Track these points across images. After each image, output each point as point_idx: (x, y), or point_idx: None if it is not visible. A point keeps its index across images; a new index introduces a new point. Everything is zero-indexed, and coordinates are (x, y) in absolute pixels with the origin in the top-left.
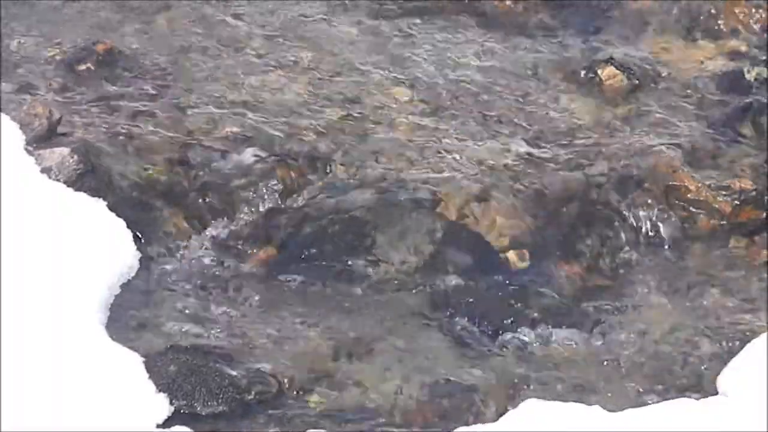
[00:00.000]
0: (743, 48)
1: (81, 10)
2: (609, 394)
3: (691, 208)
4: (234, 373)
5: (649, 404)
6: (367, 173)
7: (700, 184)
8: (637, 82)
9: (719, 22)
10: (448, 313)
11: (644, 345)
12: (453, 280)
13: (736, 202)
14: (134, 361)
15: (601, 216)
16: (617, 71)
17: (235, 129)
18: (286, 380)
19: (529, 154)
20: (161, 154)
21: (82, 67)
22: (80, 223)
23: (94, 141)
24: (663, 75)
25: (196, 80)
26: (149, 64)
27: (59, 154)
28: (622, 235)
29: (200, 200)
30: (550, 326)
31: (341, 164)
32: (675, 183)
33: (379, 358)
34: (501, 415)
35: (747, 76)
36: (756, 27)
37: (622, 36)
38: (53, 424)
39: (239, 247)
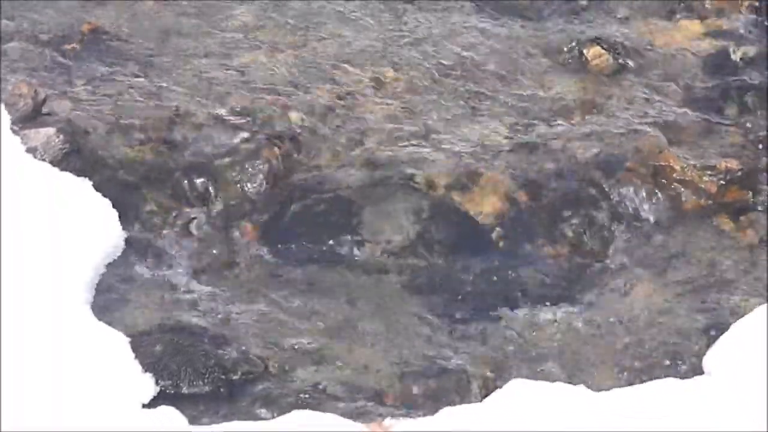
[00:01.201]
0: (729, 28)
1: None
2: (595, 374)
3: (676, 188)
4: (220, 353)
5: (635, 384)
6: (354, 153)
7: (685, 164)
8: (623, 62)
9: (705, 2)
10: (434, 292)
11: (630, 325)
12: (439, 260)
13: (722, 182)
14: (120, 341)
15: (587, 196)
16: (603, 51)
17: (220, 109)
18: (271, 361)
19: (515, 133)
20: (147, 134)
21: (68, 46)
22: (65, 202)
23: (80, 121)
24: (649, 55)
25: (182, 60)
26: (135, 43)
27: (44, 134)
28: (608, 215)
29: (185, 180)
30: (536, 306)
31: (327, 144)
32: (661, 163)
33: (365, 338)
34: (487, 395)
35: (733, 56)
36: (742, 6)
37: (609, 16)
38: (38, 405)
39: (224, 227)
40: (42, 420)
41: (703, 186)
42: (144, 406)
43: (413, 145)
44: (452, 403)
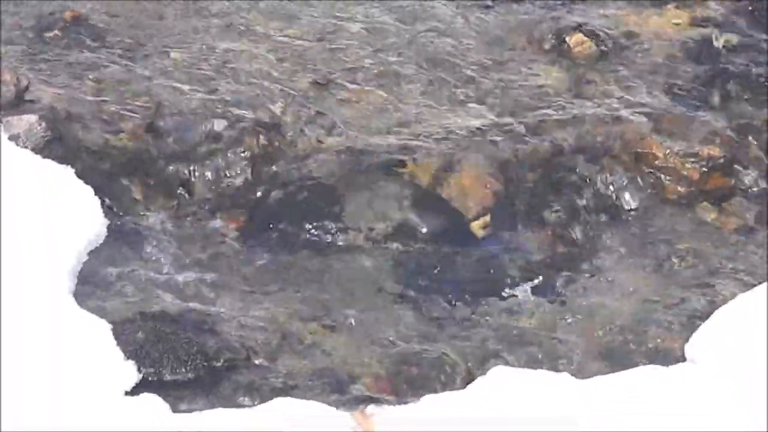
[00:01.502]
0: (712, 15)
1: None
2: (577, 362)
3: (659, 175)
4: (202, 340)
5: (618, 371)
6: (336, 140)
7: (668, 151)
8: (605, 48)
9: None
10: (417, 280)
11: (613, 312)
12: (421, 247)
13: (704, 169)
14: (102, 329)
15: (570, 183)
16: (586, 38)
17: (203, 97)
18: (254, 348)
19: (497, 120)
20: (129, 122)
21: (50, 34)
22: (47, 190)
23: (62, 108)
24: (632, 42)
25: (164, 48)
26: (118, 31)
27: (27, 121)
28: (591, 202)
29: (168, 168)
30: (518, 293)
31: (309, 132)
32: (643, 150)
33: (348, 325)
34: (469, 382)
35: (715, 43)
36: None
37: (592, 3)
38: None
39: (207, 214)
40: (25, 407)
41: (685, 173)
42: (126, 393)
43: (396, 132)
44: (435, 391)
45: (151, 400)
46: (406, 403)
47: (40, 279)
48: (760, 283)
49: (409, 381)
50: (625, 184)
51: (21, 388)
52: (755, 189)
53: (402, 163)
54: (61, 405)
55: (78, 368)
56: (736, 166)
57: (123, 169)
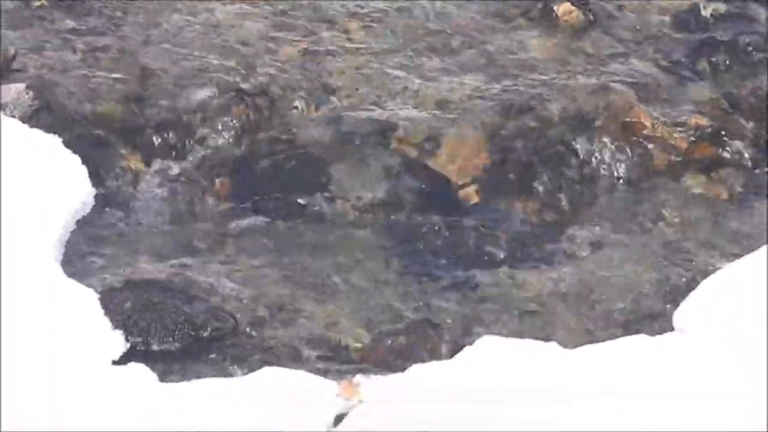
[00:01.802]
0: None
1: None
2: (565, 331)
3: (647, 145)
4: (190, 309)
5: (606, 340)
6: (324, 110)
7: (656, 121)
8: (593, 18)
9: None
10: (404, 249)
11: (601, 281)
12: (409, 216)
13: (692, 138)
14: (90, 298)
15: (557, 153)
16: (573, 7)
17: (191, 65)
18: (242, 317)
19: (485, 90)
20: (117, 91)
21: (37, 2)
22: (35, 159)
23: (50, 77)
24: (619, 11)
25: (152, 15)
26: None
27: (15, 90)
28: (579, 172)
29: (156, 137)
30: (506, 263)
31: (297, 100)
32: (631, 119)
33: (335, 295)
34: (457, 352)
35: (703, 12)
36: None
37: None
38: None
39: (195, 184)
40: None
41: (673, 142)
42: (114, 363)
43: (384, 102)
44: (422, 360)
45: (138, 369)
46: (393, 372)
47: (27, 248)
48: (748, 252)
49: (396, 351)
50: (613, 154)
51: (9, 361)
52: (743, 158)
53: (390, 133)
54: (49, 374)
55: (66, 338)
56: (723, 135)
57: (110, 137)
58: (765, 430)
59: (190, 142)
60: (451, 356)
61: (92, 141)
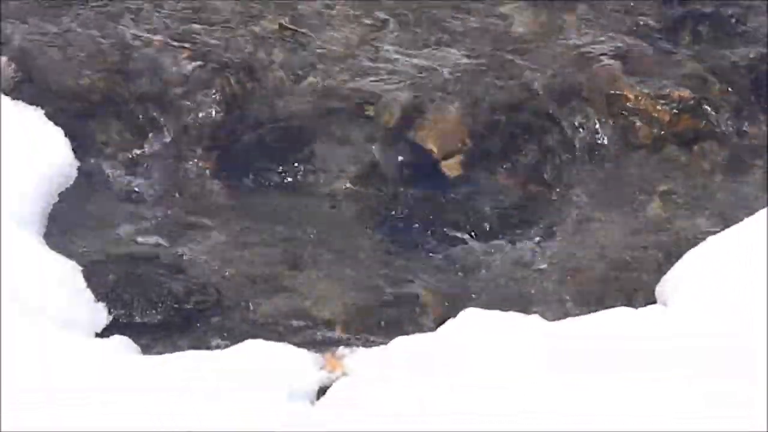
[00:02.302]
0: None
1: None
2: (548, 303)
3: (630, 117)
4: (173, 282)
5: (589, 313)
6: (306, 82)
7: (639, 93)
8: None
9: None
10: (387, 222)
11: (584, 254)
12: (392, 189)
13: (675, 110)
14: (73, 270)
15: (541, 125)
16: None
17: (174, 38)
18: (224, 290)
19: (468, 63)
20: (100, 63)
21: None
22: (17, 131)
23: (32, 49)
24: None
25: None
26: None
27: None
28: (562, 145)
29: (139, 109)
30: (489, 235)
31: (279, 73)
32: (614, 92)
33: (319, 267)
34: (440, 324)
35: None
36: None
37: None
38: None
39: (177, 156)
40: None
41: (656, 115)
42: (97, 335)
43: (367, 75)
44: (406, 332)
45: (122, 341)
46: (376, 344)
47: (10, 221)
48: (731, 224)
49: (380, 322)
50: (596, 126)
51: None
52: (725, 130)
53: (373, 105)
54: (32, 348)
55: (49, 311)
56: (706, 107)
57: (94, 110)
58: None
59: (173, 114)
60: (434, 328)
61: (75, 113)
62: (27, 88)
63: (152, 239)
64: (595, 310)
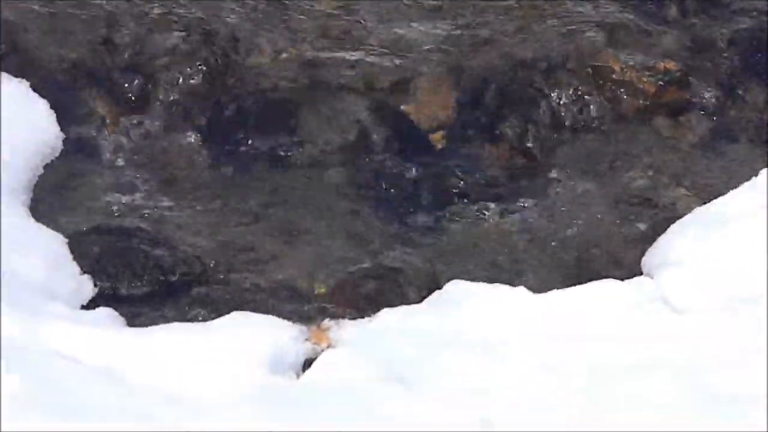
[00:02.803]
0: None
1: None
2: (534, 275)
3: (615, 89)
4: (158, 254)
5: (575, 285)
6: (291, 54)
7: (624, 65)
8: None
9: None
10: (373, 193)
11: (570, 225)
12: (378, 161)
13: (661, 82)
14: (58, 242)
15: (526, 97)
16: None
17: (159, 10)
18: (210, 262)
19: (454, 35)
20: (85, 35)
21: None
22: (3, 103)
23: (18, 21)
24: None
25: None
26: None
27: None
28: (547, 116)
29: (124, 81)
30: (475, 207)
31: (264, 45)
32: (599, 63)
33: (305, 239)
34: (426, 296)
35: None
36: None
37: None
38: None
39: (162, 128)
40: None
41: (642, 87)
42: (83, 307)
43: (352, 46)
44: (391, 304)
45: (107, 313)
46: (362, 317)
47: None
48: (716, 196)
49: (365, 295)
50: (581, 97)
51: None
52: (711, 103)
53: (359, 77)
54: (17, 319)
55: (33, 282)
56: (692, 79)
57: (79, 82)
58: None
59: (157, 85)
60: (420, 300)
61: (60, 85)
62: (13, 60)
63: (137, 211)
64: (582, 282)
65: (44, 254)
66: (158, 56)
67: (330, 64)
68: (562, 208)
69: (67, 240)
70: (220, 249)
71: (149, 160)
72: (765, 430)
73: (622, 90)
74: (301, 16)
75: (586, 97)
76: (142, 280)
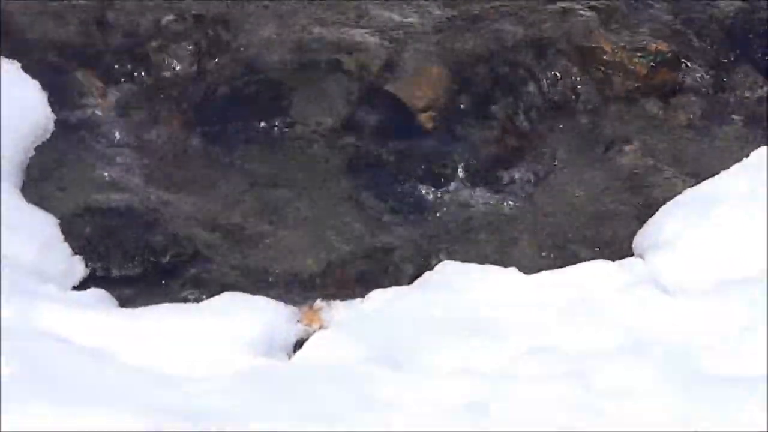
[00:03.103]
0: None
1: None
2: (525, 256)
3: (606, 70)
4: (150, 235)
5: (566, 266)
6: (282, 35)
7: (615, 46)
8: None
9: None
10: (364, 175)
11: (561, 207)
12: (369, 142)
13: (652, 64)
14: (50, 223)
15: (517, 78)
16: None
17: None
18: (202, 243)
19: (445, 16)
20: (76, 16)
21: None
22: None
23: (8, 1)
24: None
25: None
26: None
27: None
28: (538, 98)
29: (115, 62)
30: (466, 188)
31: (255, 26)
32: (590, 44)
33: (296, 220)
34: (417, 276)
35: None
36: None
37: None
38: None
39: (154, 109)
40: None
41: (632, 68)
42: (74, 288)
43: (342, 27)
44: (382, 285)
45: (99, 294)
46: (353, 298)
47: None
48: (707, 177)
49: (356, 276)
50: (572, 79)
51: None
52: (702, 84)
53: (350, 58)
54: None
55: (25, 262)
56: (683, 60)
57: (70, 62)
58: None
59: (149, 67)
60: (411, 281)
61: (51, 66)
62: (3, 40)
63: (129, 192)
64: (573, 263)
65: (36, 235)
66: (149, 38)
67: (322, 46)
68: (553, 189)
69: (58, 221)
70: (211, 230)
71: (141, 142)
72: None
73: (613, 71)
74: None
75: (577, 78)
76: (133, 261)
